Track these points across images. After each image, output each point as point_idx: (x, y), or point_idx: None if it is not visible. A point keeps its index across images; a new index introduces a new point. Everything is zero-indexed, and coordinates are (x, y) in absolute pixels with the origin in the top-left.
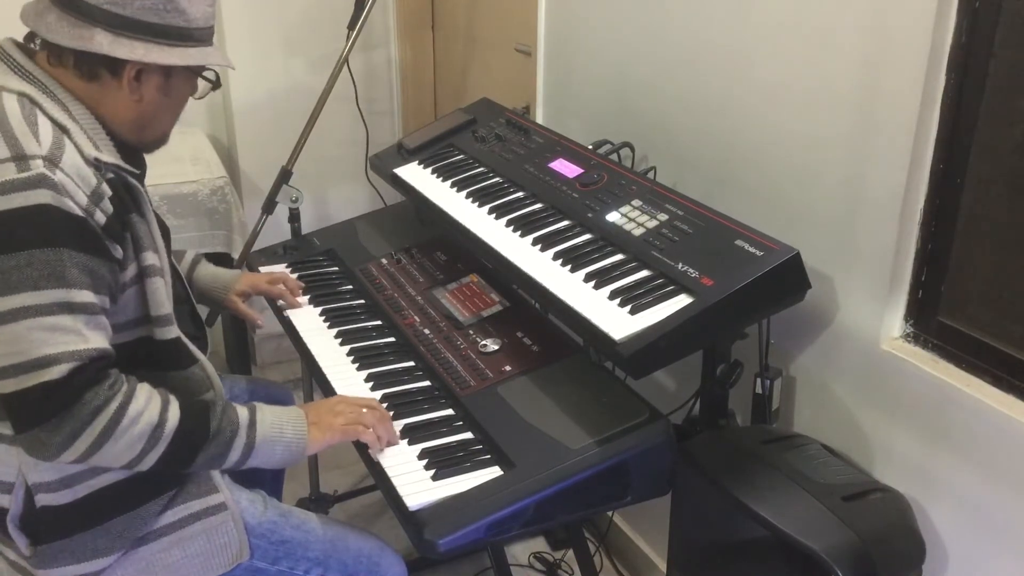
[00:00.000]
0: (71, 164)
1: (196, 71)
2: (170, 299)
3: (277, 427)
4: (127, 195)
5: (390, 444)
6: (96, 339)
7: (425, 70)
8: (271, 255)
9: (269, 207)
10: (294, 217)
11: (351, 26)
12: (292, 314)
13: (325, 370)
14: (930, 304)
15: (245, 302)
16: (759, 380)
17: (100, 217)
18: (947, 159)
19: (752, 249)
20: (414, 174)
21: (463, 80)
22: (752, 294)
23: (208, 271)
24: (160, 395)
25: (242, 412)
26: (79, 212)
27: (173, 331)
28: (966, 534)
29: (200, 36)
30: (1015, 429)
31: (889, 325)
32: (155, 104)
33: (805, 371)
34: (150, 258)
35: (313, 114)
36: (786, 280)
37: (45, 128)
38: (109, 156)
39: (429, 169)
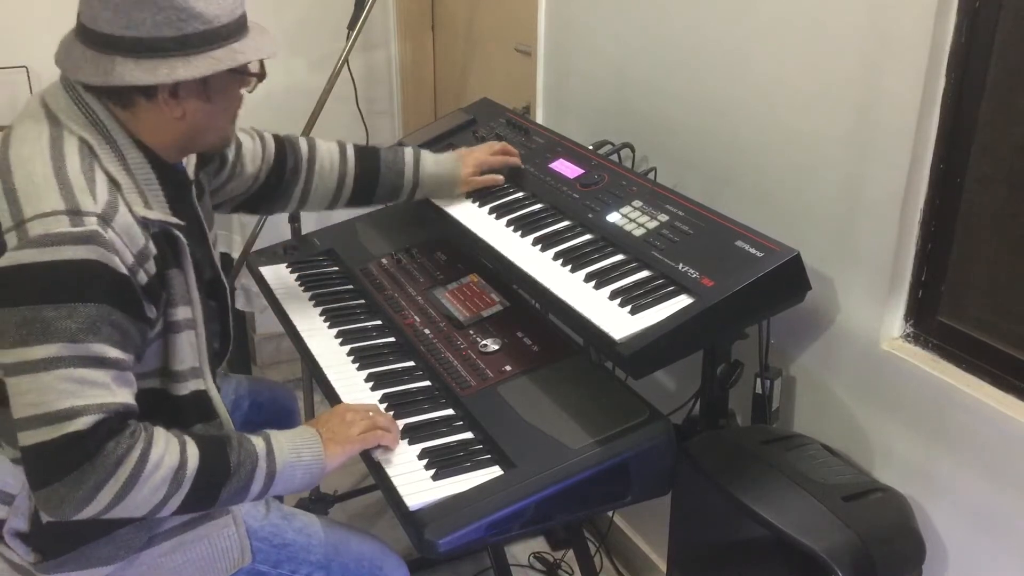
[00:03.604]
0: (122, 224)
1: (230, 67)
2: (201, 352)
3: (294, 451)
4: (169, 249)
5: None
6: (123, 394)
7: (425, 70)
8: (271, 255)
9: None
10: (294, 217)
11: (351, 26)
12: (292, 314)
13: (325, 370)
14: (930, 304)
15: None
16: (759, 380)
17: (143, 277)
18: (947, 159)
19: (752, 250)
20: None
21: (463, 80)
22: (752, 295)
23: (430, 170)
24: (176, 437)
25: (258, 442)
26: (124, 271)
27: (193, 385)
28: (966, 534)
29: (227, 32)
30: (1015, 429)
31: (889, 325)
32: (200, 114)
33: (805, 371)
34: (181, 312)
35: (313, 114)
36: (786, 281)
37: (102, 185)
38: (158, 211)
39: None
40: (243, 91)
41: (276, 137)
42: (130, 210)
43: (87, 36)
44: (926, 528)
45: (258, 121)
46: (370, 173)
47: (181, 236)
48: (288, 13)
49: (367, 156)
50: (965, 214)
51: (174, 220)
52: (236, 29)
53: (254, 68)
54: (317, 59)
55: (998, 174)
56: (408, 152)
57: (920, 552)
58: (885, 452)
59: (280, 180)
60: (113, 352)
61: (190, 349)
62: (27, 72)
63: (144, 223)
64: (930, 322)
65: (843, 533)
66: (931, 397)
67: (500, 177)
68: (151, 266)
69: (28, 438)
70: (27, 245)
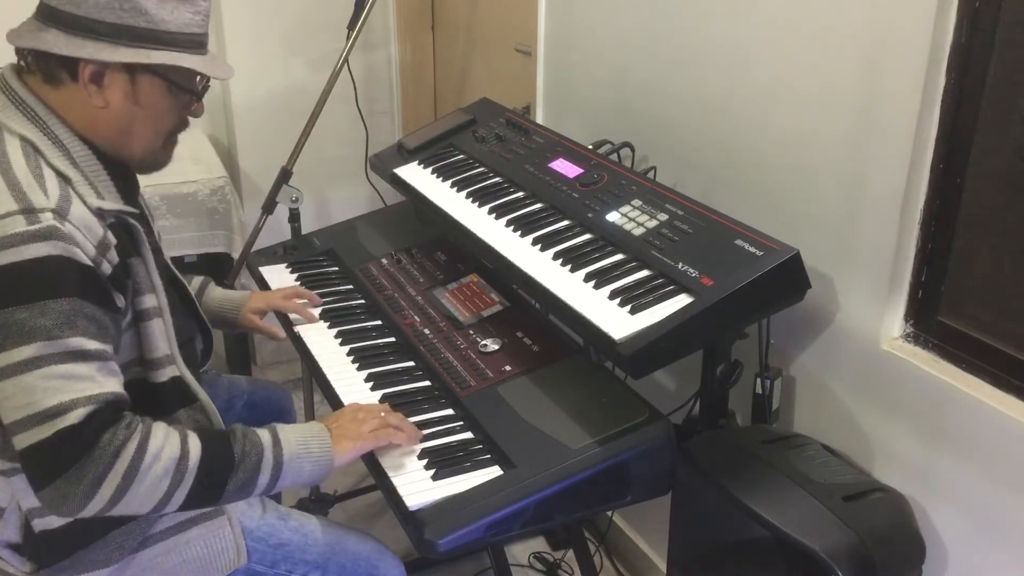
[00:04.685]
0: (78, 216)
1: (164, 76)
2: (170, 339)
3: (302, 443)
4: (128, 238)
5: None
6: (111, 384)
7: (425, 70)
8: (271, 255)
9: (269, 207)
10: (294, 217)
11: (351, 26)
12: (291, 314)
13: (325, 370)
14: (930, 304)
15: (262, 319)
16: (759, 380)
17: (107, 267)
18: (947, 159)
19: (752, 249)
20: (414, 174)
21: (463, 80)
22: (752, 294)
23: (217, 294)
24: (177, 430)
25: (263, 433)
26: (88, 262)
27: (170, 372)
28: (966, 534)
29: (172, 41)
30: (1015, 429)
31: (889, 325)
32: (125, 113)
33: (805, 371)
34: (148, 301)
35: (313, 114)
36: (786, 280)
37: (51, 181)
38: (111, 201)
39: (429, 169)
40: (187, 115)
41: None
42: (84, 202)
43: (39, 10)
44: (926, 528)
45: (260, 121)
46: None
47: (137, 224)
48: (288, 13)
49: None
50: (965, 214)
51: (129, 208)
52: (184, 43)
53: (194, 89)
54: (317, 59)
55: (998, 174)
56: (198, 281)
57: (920, 552)
58: (885, 452)
59: None
60: (92, 344)
61: (161, 336)
62: None
63: (100, 213)
64: (930, 322)
65: (843, 533)
66: (931, 397)
67: (280, 332)
68: (113, 256)
69: (23, 440)
70: None
